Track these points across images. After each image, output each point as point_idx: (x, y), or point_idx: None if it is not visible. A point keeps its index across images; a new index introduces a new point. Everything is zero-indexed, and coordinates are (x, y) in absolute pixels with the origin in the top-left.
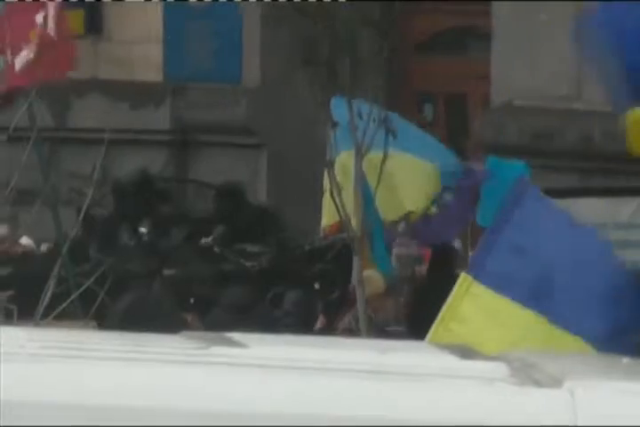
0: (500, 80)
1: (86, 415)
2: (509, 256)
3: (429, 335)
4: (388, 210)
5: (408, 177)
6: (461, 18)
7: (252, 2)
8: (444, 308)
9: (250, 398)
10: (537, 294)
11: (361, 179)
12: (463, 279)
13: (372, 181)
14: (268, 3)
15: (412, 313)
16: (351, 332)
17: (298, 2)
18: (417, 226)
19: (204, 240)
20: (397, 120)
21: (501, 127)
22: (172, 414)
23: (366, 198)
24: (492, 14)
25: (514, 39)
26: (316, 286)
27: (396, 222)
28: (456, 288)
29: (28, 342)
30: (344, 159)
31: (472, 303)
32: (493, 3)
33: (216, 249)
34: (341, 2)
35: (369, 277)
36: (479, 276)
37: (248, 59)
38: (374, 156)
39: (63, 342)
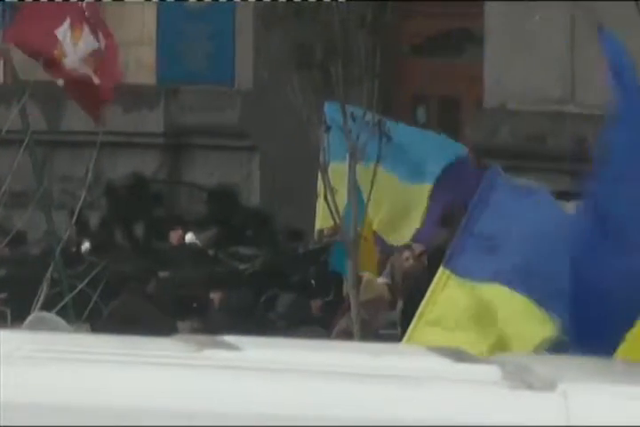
0: (493, 83)
1: (80, 418)
2: (485, 247)
3: (410, 330)
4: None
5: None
6: (455, 21)
7: (246, 4)
8: (423, 303)
9: (243, 400)
10: (516, 282)
11: (355, 182)
12: (441, 274)
13: (364, 187)
14: (262, 5)
15: (406, 316)
16: (348, 334)
17: (292, 4)
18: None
19: (189, 238)
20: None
21: (494, 130)
22: (165, 416)
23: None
24: (484, 17)
25: (507, 42)
26: (312, 282)
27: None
28: (434, 283)
29: (22, 345)
30: (338, 167)
31: (451, 296)
32: (486, 5)
33: (210, 251)
34: (335, 4)
35: (368, 282)
36: (456, 269)
37: (241, 61)
38: (367, 167)
39: (59, 346)
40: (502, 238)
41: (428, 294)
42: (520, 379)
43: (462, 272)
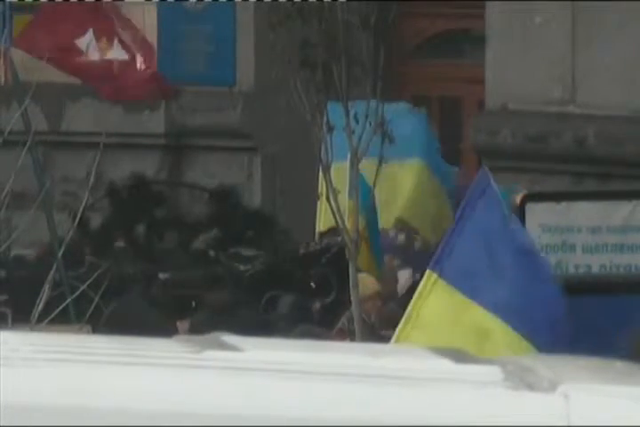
0: (494, 83)
1: (79, 419)
2: (471, 254)
3: (397, 332)
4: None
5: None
6: (456, 21)
7: (246, 4)
8: (411, 305)
9: (244, 401)
10: (494, 293)
11: (357, 183)
12: (428, 276)
13: (379, 188)
14: (264, 4)
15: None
16: (344, 333)
17: (295, 3)
18: None
19: (197, 243)
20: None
21: (495, 131)
22: (166, 417)
23: (368, 203)
24: (486, 18)
25: (508, 43)
26: (312, 284)
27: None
28: (422, 285)
29: (23, 347)
30: (340, 167)
31: (437, 301)
32: (487, 6)
33: (210, 253)
34: (338, 4)
35: (361, 280)
36: (443, 273)
37: (242, 62)
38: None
39: (58, 347)
40: (484, 249)
41: (416, 296)
42: (521, 380)
43: (448, 277)
